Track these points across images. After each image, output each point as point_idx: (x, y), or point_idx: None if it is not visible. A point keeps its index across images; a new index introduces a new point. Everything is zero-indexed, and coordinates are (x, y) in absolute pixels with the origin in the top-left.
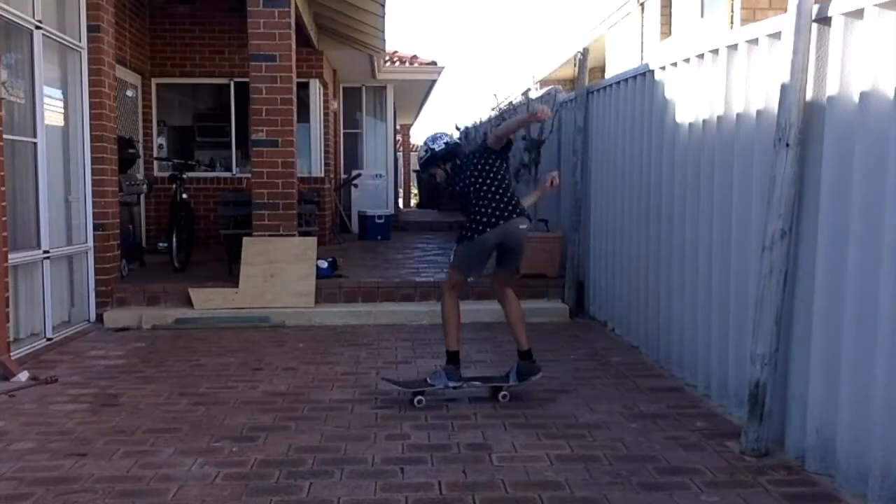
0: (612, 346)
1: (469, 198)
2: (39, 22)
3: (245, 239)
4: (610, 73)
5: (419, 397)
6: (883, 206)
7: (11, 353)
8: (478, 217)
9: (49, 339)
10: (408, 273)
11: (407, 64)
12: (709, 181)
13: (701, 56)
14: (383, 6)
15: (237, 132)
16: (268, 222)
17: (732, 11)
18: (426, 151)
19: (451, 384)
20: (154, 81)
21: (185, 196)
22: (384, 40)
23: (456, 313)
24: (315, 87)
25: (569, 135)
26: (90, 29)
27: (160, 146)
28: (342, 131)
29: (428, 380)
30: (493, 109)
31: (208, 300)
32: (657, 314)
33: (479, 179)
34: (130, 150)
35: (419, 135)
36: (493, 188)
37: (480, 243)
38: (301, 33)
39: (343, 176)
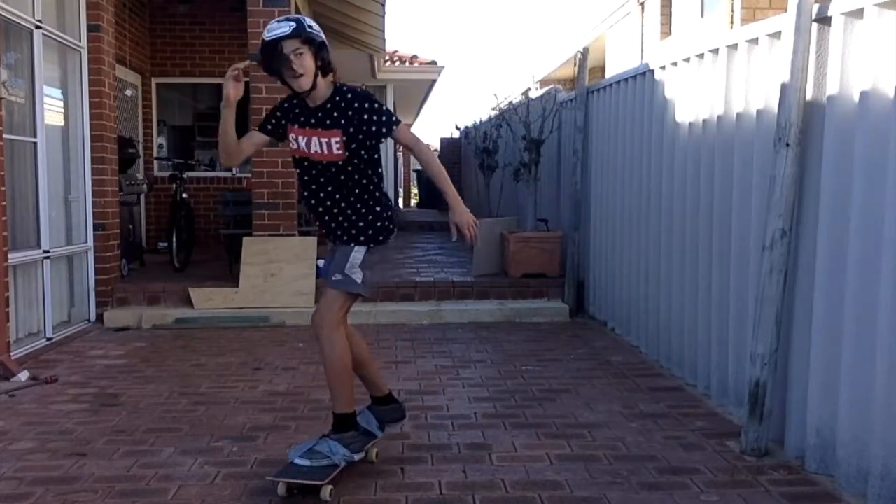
0: (612, 346)
1: (372, 163)
2: (39, 22)
3: (245, 239)
4: (610, 73)
5: (331, 488)
6: (883, 205)
7: (11, 353)
8: (387, 205)
9: (49, 339)
10: (408, 273)
11: (407, 64)
12: (709, 181)
13: (701, 56)
14: (383, 6)
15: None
16: (268, 222)
17: (732, 11)
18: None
19: (356, 455)
20: (154, 81)
21: (185, 196)
22: (384, 40)
23: (349, 357)
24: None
25: (569, 135)
26: (90, 29)
27: (160, 146)
28: None
29: (337, 461)
30: (493, 109)
31: (208, 300)
32: (657, 314)
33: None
34: (130, 150)
35: (419, 134)
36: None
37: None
38: None
39: None
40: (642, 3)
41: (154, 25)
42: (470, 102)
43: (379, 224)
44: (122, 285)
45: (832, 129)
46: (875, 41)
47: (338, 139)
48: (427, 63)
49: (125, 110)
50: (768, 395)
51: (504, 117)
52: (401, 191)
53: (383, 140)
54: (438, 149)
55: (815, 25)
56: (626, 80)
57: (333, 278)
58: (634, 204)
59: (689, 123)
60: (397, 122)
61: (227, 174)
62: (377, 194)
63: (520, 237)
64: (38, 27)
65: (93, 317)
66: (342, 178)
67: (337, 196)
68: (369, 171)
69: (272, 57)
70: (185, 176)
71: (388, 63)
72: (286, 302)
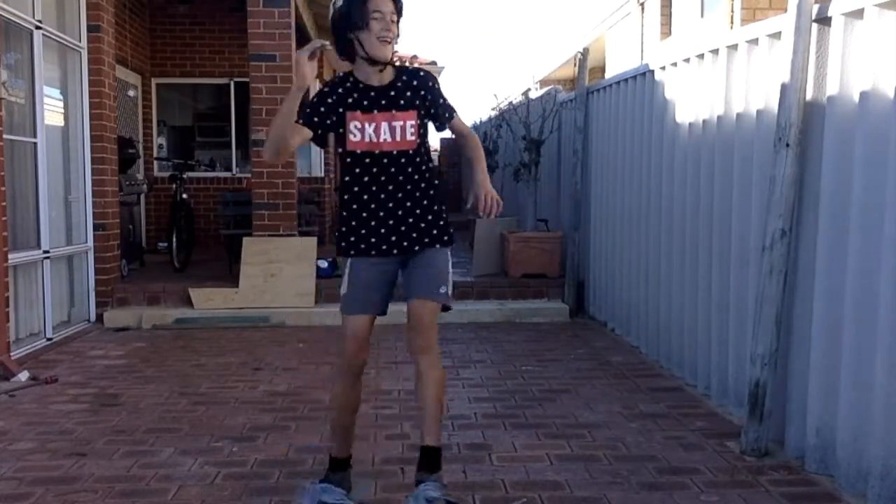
0: (612, 346)
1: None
2: (39, 22)
3: (245, 239)
4: (610, 73)
5: None
6: (883, 205)
7: (11, 353)
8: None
9: (49, 339)
10: None
11: (407, 64)
12: (709, 181)
13: (701, 56)
14: None
15: (237, 132)
16: (268, 222)
17: (732, 11)
18: None
19: None
20: (154, 81)
21: (185, 196)
22: None
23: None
24: (315, 88)
25: (569, 135)
26: (90, 29)
27: (160, 146)
28: None
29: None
30: (493, 109)
31: (208, 300)
32: (657, 314)
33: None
34: (130, 150)
35: None
36: None
37: None
38: (301, 33)
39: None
40: (642, 4)
41: (154, 25)
42: (470, 102)
43: (449, 221)
44: (122, 285)
45: (832, 129)
46: (875, 41)
47: (413, 122)
48: (427, 63)
49: (125, 110)
50: (768, 396)
51: (504, 117)
52: None
53: (443, 127)
54: (439, 149)
55: (815, 26)
56: (626, 80)
57: (441, 291)
58: (634, 204)
59: (689, 123)
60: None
61: (228, 174)
62: (437, 186)
63: (520, 237)
64: (38, 27)
65: (93, 317)
66: (410, 170)
67: (409, 192)
68: (430, 162)
69: (361, 11)
70: (185, 176)
71: None
72: (286, 302)
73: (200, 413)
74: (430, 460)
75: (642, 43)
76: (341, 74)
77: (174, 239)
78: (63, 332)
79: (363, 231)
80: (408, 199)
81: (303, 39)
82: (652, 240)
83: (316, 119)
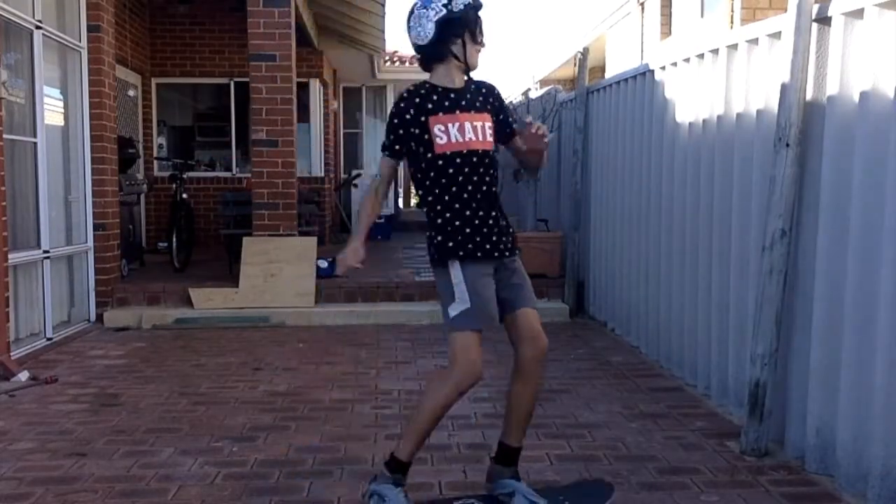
0: (612, 346)
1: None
2: (39, 22)
3: (245, 239)
4: (610, 73)
5: None
6: (883, 205)
7: (11, 353)
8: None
9: (49, 339)
10: (408, 273)
11: (407, 64)
12: (709, 181)
13: (701, 56)
14: (383, 6)
15: (237, 132)
16: (268, 222)
17: (732, 11)
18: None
19: None
20: (154, 81)
21: (185, 196)
22: (384, 40)
23: None
24: (315, 87)
25: (569, 135)
26: (90, 29)
27: (160, 146)
28: (342, 131)
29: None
30: None
31: (208, 300)
32: (657, 314)
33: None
34: (130, 150)
35: None
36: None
37: None
38: (301, 33)
39: (343, 176)
40: (642, 3)
41: (154, 25)
42: None
43: None
44: (122, 285)
45: (832, 129)
46: (875, 41)
47: (490, 125)
48: None
49: (125, 110)
50: (768, 395)
51: None
52: (401, 191)
53: (512, 136)
54: None
55: (815, 25)
56: (626, 80)
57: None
58: (634, 204)
59: (689, 123)
60: None
61: (228, 174)
62: None
63: (520, 237)
64: (38, 27)
65: (93, 317)
66: (493, 171)
67: (497, 193)
68: None
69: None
70: (185, 176)
71: (388, 63)
72: (286, 302)
73: (200, 413)
74: (514, 457)
75: (642, 43)
76: (412, 86)
77: (174, 239)
78: (63, 332)
79: (468, 230)
80: (497, 200)
81: (303, 39)
82: (652, 240)
83: (398, 147)
